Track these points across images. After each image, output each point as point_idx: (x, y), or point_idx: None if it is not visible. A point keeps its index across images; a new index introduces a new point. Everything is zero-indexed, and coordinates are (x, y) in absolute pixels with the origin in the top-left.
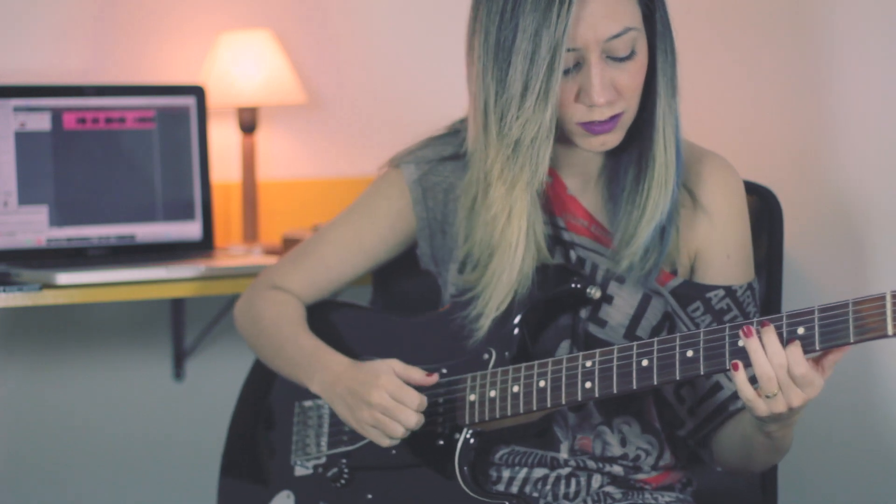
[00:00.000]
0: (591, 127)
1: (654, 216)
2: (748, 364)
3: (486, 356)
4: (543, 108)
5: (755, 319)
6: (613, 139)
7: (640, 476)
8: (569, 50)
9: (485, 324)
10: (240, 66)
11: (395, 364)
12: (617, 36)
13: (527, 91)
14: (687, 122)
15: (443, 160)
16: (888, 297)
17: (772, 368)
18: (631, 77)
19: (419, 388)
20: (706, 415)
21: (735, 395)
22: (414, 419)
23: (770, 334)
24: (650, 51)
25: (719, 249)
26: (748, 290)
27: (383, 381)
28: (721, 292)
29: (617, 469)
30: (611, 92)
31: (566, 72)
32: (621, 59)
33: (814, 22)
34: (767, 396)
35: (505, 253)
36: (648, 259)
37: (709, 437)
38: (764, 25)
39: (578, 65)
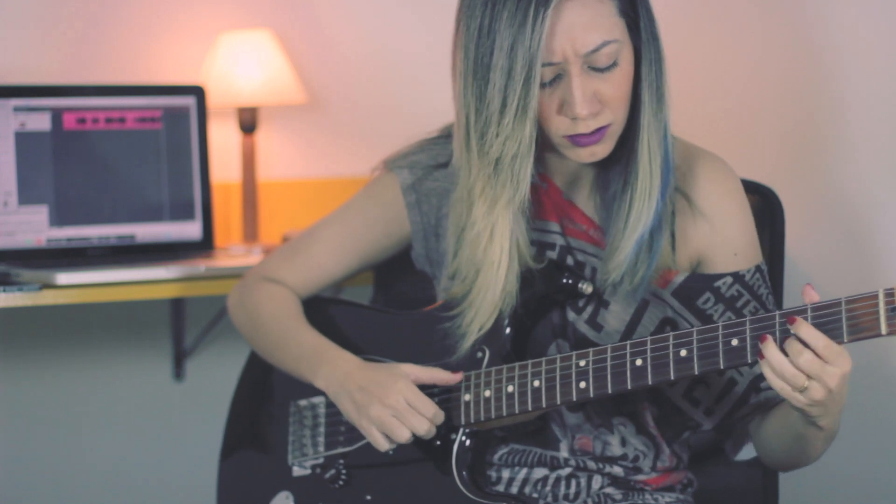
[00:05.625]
0: (577, 139)
1: (637, 229)
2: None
3: (479, 354)
4: (522, 124)
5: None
6: (602, 150)
7: (641, 477)
8: (548, 64)
9: (469, 341)
10: (240, 66)
11: (412, 369)
12: (595, 50)
13: (505, 108)
14: (687, 121)
15: (437, 166)
16: (881, 296)
17: (792, 366)
18: (614, 88)
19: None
20: (727, 410)
21: (752, 387)
22: (426, 427)
23: (771, 348)
24: (636, 59)
25: (725, 250)
26: (756, 272)
27: (401, 385)
28: (729, 279)
29: (617, 470)
30: (594, 104)
31: (547, 84)
32: (603, 70)
33: (814, 20)
34: (801, 390)
35: (488, 272)
36: (637, 272)
37: (734, 426)
38: (764, 24)
39: (560, 76)
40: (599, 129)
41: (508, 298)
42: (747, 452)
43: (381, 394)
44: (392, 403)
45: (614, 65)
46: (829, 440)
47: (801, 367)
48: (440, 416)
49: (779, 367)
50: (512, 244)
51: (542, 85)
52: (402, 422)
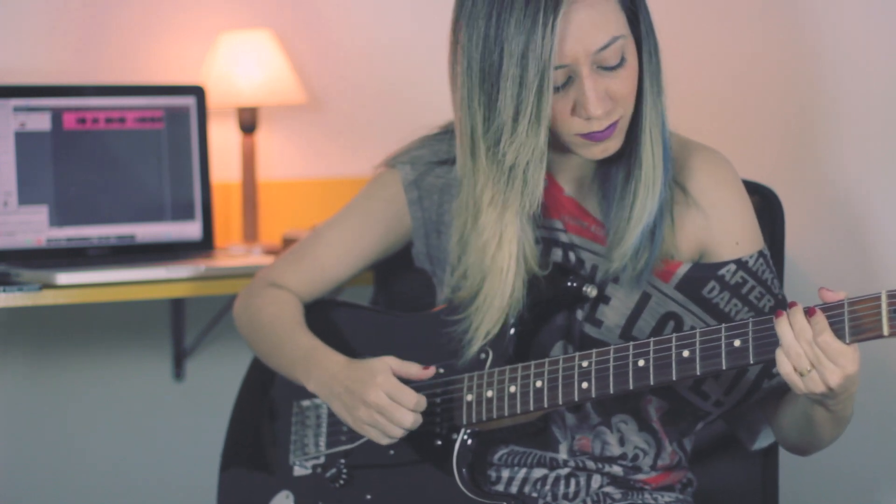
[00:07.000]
0: (592, 136)
1: (642, 218)
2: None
3: (482, 356)
4: (536, 131)
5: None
6: (614, 145)
7: (640, 476)
8: (558, 67)
9: (475, 346)
10: (240, 66)
11: (391, 361)
12: (605, 47)
13: (519, 115)
14: (687, 121)
15: (439, 162)
16: (883, 297)
17: (799, 345)
18: (623, 84)
19: (418, 383)
20: (739, 397)
21: (764, 373)
22: (410, 419)
23: (797, 314)
24: (637, 53)
25: (726, 240)
26: (759, 258)
27: (380, 380)
28: (732, 266)
29: (616, 469)
30: (607, 102)
31: (560, 88)
32: (612, 68)
33: (814, 19)
34: (801, 374)
35: (496, 278)
36: (640, 259)
37: (744, 412)
38: (764, 23)
39: (571, 79)
40: (612, 125)
41: (515, 304)
42: (763, 440)
43: (363, 392)
44: (374, 400)
45: (622, 61)
46: (839, 424)
47: (804, 349)
48: (422, 404)
49: (787, 342)
50: (519, 250)
51: (555, 89)
52: (387, 418)
